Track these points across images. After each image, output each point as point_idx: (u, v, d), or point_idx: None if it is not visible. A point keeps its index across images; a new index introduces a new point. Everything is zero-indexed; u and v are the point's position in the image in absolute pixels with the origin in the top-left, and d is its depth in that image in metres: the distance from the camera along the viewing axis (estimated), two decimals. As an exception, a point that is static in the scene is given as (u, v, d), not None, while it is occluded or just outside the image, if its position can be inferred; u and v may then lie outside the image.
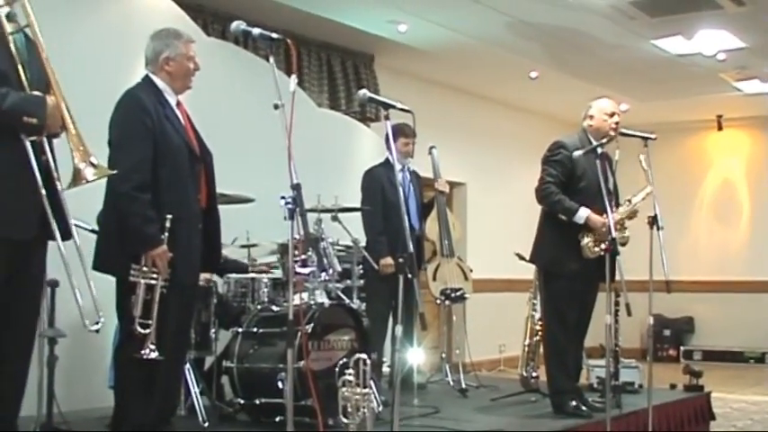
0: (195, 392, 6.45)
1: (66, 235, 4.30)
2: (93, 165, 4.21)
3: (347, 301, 7.07)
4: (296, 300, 5.52)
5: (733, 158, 15.88)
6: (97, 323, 4.27)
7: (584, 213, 6.93)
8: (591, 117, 7.24)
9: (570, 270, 7.08)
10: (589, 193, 6.95)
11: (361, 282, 7.46)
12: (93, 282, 4.36)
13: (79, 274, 4.29)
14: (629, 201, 7.15)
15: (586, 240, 6.96)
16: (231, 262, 7.41)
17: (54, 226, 4.23)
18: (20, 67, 4.26)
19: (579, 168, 7.05)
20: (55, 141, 4.35)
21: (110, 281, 5.25)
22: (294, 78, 4.88)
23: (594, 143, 7.02)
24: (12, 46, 4.26)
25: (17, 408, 4.48)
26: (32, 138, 4.21)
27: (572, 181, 7.07)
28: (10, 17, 4.27)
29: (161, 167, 5.24)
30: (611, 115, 7.21)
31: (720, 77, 12.64)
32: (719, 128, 15.56)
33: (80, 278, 4.29)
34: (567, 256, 7.08)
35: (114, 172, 4.63)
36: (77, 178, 4.18)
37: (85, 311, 4.26)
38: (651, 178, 6.96)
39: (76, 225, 5.07)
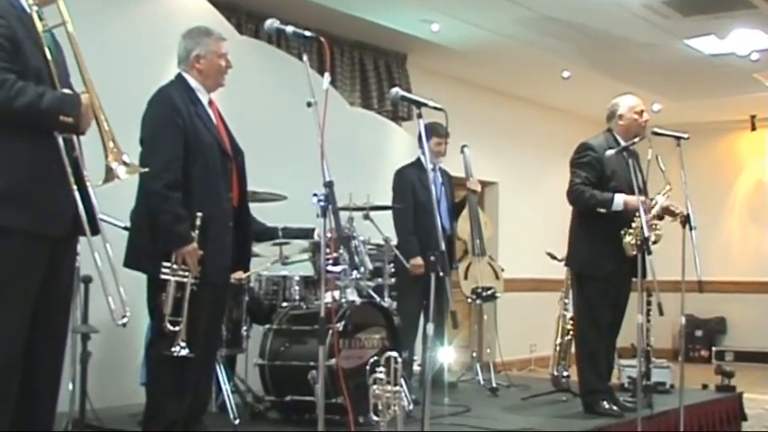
0: (226, 389, 6.47)
1: (95, 230, 4.33)
2: (125, 163, 4.24)
3: (378, 299, 7.08)
4: (327, 298, 5.53)
5: (766, 159, 15.78)
6: (124, 317, 4.28)
7: (619, 199, 6.90)
8: (621, 117, 7.20)
9: (605, 271, 7.06)
10: (620, 192, 6.93)
11: (393, 280, 7.45)
12: (124, 278, 4.38)
13: (107, 268, 4.31)
14: (653, 200, 7.13)
15: (628, 239, 6.91)
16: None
17: (85, 222, 4.26)
18: (51, 65, 4.30)
19: (608, 169, 7.03)
20: (85, 139, 4.37)
21: (141, 278, 5.28)
22: (327, 76, 4.89)
23: (622, 142, 7.02)
24: (44, 44, 4.30)
25: (53, 406, 4.50)
26: (65, 135, 4.25)
27: (602, 182, 7.04)
28: (40, 16, 4.31)
29: (192, 166, 5.28)
30: (641, 113, 7.20)
31: (754, 77, 12.57)
32: (753, 128, 15.47)
33: (108, 272, 4.31)
34: (602, 257, 7.05)
35: (146, 169, 4.65)
36: (110, 176, 4.21)
37: (114, 306, 4.28)
38: (683, 177, 6.91)
39: (108, 222, 5.12)
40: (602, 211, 6.97)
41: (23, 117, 4.11)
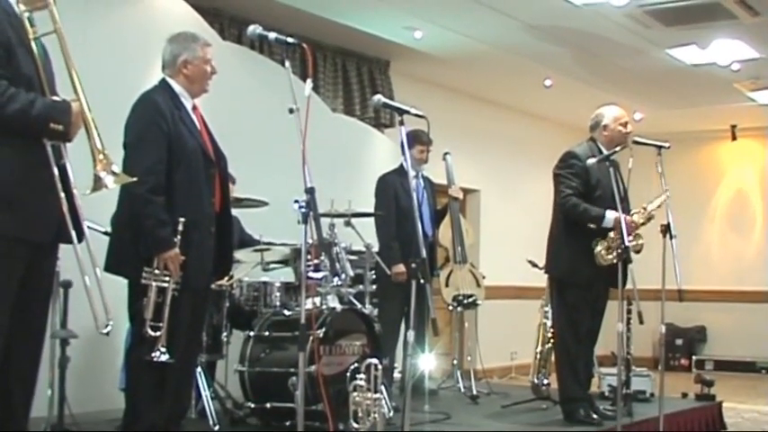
0: (206, 395, 6.46)
1: (80, 237, 4.33)
2: (114, 173, 4.24)
3: (359, 306, 7.08)
4: (308, 304, 5.53)
5: (747, 169, 15.85)
6: (107, 325, 4.28)
7: (611, 216, 6.90)
8: (605, 127, 7.22)
9: (585, 279, 7.07)
10: (605, 201, 6.93)
11: (374, 287, 7.45)
12: (105, 283, 4.37)
13: (91, 275, 4.30)
14: (645, 208, 7.14)
15: (599, 248, 6.94)
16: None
17: (71, 229, 4.26)
18: (41, 72, 4.30)
19: (593, 178, 7.04)
20: (71, 146, 4.37)
21: (122, 282, 5.26)
22: (309, 82, 4.90)
23: (605, 151, 7.04)
24: (35, 51, 4.31)
25: (27, 409, 4.50)
26: (54, 142, 4.25)
27: (588, 191, 7.05)
28: (31, 22, 4.31)
29: (175, 171, 5.26)
30: (626, 125, 7.22)
31: (735, 87, 12.61)
32: (733, 138, 15.51)
33: (92, 280, 4.30)
34: (581, 265, 7.06)
35: (134, 179, 4.62)
36: (98, 185, 4.21)
37: (98, 314, 4.27)
38: (665, 184, 6.96)
39: (89, 227, 5.10)
40: (592, 226, 6.96)
41: (14, 123, 4.11)
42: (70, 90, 4.27)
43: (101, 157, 4.19)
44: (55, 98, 4.28)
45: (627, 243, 6.54)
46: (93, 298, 4.22)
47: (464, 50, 11.10)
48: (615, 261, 6.77)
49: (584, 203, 6.99)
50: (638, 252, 6.88)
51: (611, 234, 6.89)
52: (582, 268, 7.07)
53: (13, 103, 4.08)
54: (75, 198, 4.31)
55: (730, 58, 11.25)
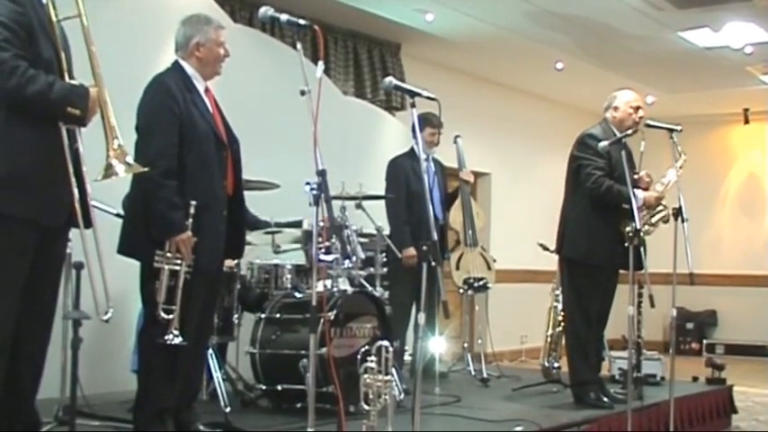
0: (217, 377, 6.47)
1: (88, 223, 4.34)
2: (127, 163, 4.26)
3: (370, 288, 7.09)
4: (319, 286, 5.53)
5: (758, 152, 15.79)
6: (107, 313, 4.30)
7: (640, 195, 6.98)
8: (616, 109, 7.22)
9: (600, 261, 7.07)
10: (623, 183, 6.85)
11: (385, 270, 7.46)
12: (116, 266, 4.39)
13: (96, 262, 4.31)
14: (665, 175, 7.16)
15: (629, 229, 6.86)
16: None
17: (79, 214, 4.27)
18: (62, 56, 4.32)
19: (613, 159, 7.01)
20: (88, 132, 4.39)
21: (135, 265, 5.27)
22: (321, 65, 4.89)
23: (617, 133, 7.02)
24: (56, 35, 4.33)
25: (35, 391, 4.53)
26: (69, 126, 4.26)
27: (611, 170, 7.02)
28: (54, 5, 4.33)
29: (187, 154, 5.25)
30: (637, 109, 7.20)
31: (747, 71, 12.58)
32: (746, 121, 15.46)
33: (96, 267, 4.31)
34: (598, 247, 7.06)
35: (146, 169, 4.62)
36: (109, 173, 4.22)
37: (99, 301, 4.29)
38: (678, 155, 6.98)
39: (101, 209, 5.11)
40: (626, 206, 6.87)
41: (32, 105, 4.14)
42: (88, 75, 4.29)
43: (115, 145, 4.21)
44: (73, 82, 4.30)
45: (638, 226, 6.51)
46: (96, 285, 4.24)
47: (475, 33, 11.08)
48: (652, 230, 7.04)
49: (618, 185, 6.92)
50: (666, 222, 6.88)
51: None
52: (598, 251, 7.07)
53: (33, 85, 4.11)
54: (86, 184, 4.33)
55: (743, 40, 11.21)
